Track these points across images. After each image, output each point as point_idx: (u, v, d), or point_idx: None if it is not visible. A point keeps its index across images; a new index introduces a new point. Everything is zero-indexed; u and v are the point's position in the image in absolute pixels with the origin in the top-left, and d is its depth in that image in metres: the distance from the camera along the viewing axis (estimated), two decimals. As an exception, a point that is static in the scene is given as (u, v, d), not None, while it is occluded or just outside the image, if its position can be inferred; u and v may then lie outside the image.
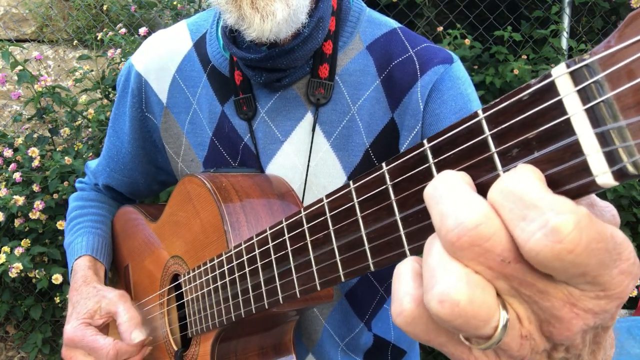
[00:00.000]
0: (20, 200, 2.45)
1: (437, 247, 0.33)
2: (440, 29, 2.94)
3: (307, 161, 0.99)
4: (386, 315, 1.12)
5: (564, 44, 2.91)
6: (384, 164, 0.41)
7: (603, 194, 2.34)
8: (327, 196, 0.48)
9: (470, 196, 0.31)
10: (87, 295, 1.02)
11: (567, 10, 2.95)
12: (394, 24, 1.03)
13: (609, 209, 0.37)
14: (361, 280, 1.05)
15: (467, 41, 2.79)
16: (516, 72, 2.69)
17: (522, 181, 0.30)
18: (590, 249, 0.28)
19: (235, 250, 0.69)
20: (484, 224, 0.30)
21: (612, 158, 0.27)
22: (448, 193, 0.32)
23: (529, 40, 2.94)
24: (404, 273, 0.36)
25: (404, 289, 0.35)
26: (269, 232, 0.59)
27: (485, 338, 0.33)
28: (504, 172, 0.31)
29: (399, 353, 1.17)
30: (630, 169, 0.27)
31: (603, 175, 0.28)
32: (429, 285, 0.32)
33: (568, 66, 0.28)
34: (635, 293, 2.52)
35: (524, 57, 2.84)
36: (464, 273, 0.31)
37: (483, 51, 2.92)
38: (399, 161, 0.38)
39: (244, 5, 0.83)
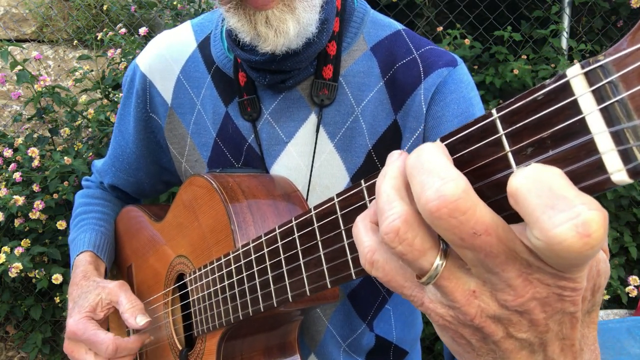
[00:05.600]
0: (20, 200, 2.45)
1: (385, 188, 0.39)
2: (440, 29, 2.95)
3: (310, 162, 0.99)
4: (388, 315, 1.12)
5: (564, 44, 2.91)
6: None
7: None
8: (338, 195, 0.48)
9: (450, 170, 0.34)
10: (88, 288, 1.03)
11: (567, 10, 2.95)
12: (398, 25, 1.03)
13: None
14: (363, 281, 1.05)
15: (467, 41, 2.80)
16: (516, 72, 2.70)
17: (551, 172, 0.31)
18: (600, 246, 0.31)
19: (244, 249, 0.69)
20: (462, 198, 0.33)
21: (626, 156, 0.28)
22: (430, 165, 0.35)
23: (529, 40, 2.94)
24: (360, 230, 0.42)
25: (365, 243, 0.41)
26: (278, 231, 0.60)
27: (424, 272, 0.38)
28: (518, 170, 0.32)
29: (400, 354, 1.17)
30: None
31: (618, 172, 0.28)
32: (380, 222, 0.38)
33: (583, 67, 0.29)
34: (635, 293, 2.53)
35: (524, 57, 2.85)
36: (403, 209, 0.37)
37: (483, 51, 2.92)
38: None
39: (259, 26, 0.86)
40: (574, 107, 0.29)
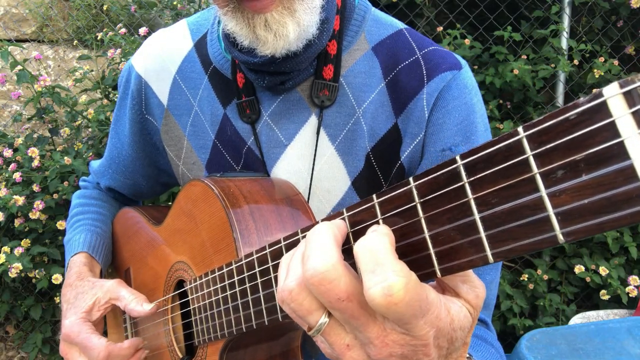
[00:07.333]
0: (20, 200, 2.44)
1: (296, 251, 0.49)
2: (440, 29, 2.93)
3: (311, 165, 0.97)
4: None
5: (564, 44, 2.89)
6: (411, 179, 0.39)
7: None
8: (348, 209, 0.47)
9: (328, 247, 0.44)
10: (83, 289, 1.01)
11: (567, 10, 2.93)
12: (400, 24, 1.00)
13: (478, 291, 0.49)
14: None
15: (467, 41, 2.78)
16: (516, 72, 2.68)
17: (381, 243, 0.42)
18: (409, 304, 0.40)
19: (247, 260, 0.67)
20: (329, 270, 0.43)
21: None
22: (315, 239, 0.45)
23: (529, 40, 2.93)
24: (282, 270, 0.51)
25: (280, 284, 0.50)
26: (283, 243, 0.58)
27: (312, 327, 0.48)
28: (547, 194, 0.30)
29: None
30: None
31: None
32: (279, 280, 0.50)
33: (621, 86, 0.27)
34: (635, 293, 2.52)
35: (524, 57, 2.83)
36: (299, 274, 0.47)
37: (483, 51, 2.90)
38: (429, 177, 0.37)
39: (258, 29, 0.84)
40: (612, 130, 0.27)
